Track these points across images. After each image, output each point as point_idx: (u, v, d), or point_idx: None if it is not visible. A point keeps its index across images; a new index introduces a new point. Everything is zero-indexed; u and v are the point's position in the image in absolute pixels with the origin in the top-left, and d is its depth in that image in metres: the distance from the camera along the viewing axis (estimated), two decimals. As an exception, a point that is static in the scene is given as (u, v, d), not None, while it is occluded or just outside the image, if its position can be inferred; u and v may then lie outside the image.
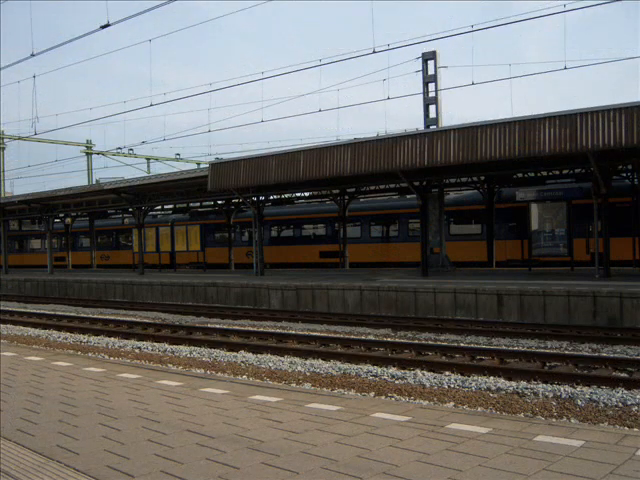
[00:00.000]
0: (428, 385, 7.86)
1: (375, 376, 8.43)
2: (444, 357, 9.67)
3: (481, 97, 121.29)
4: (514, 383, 7.76)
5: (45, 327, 15.32)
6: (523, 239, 20.73)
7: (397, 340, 11.59)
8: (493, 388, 7.56)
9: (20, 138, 37.85)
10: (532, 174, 21.32)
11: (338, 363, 9.42)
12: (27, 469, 3.66)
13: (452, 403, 7.00)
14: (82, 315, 17.68)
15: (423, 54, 20.97)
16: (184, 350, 11.14)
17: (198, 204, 31.55)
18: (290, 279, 19.13)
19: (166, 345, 11.84)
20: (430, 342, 11.28)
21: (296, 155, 18.46)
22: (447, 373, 8.50)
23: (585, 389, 7.35)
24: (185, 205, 31.77)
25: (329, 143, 18.76)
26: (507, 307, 13.84)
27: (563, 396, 7.05)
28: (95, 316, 17.34)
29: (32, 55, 18.91)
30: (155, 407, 5.19)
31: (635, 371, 8.24)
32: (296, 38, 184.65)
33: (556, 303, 13.18)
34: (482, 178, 21.72)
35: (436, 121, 20.66)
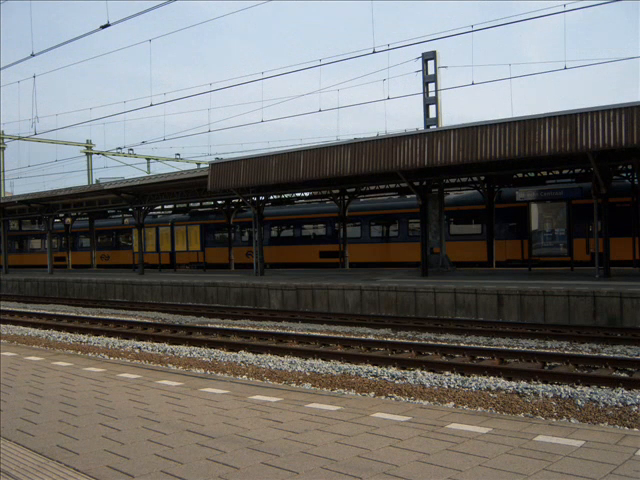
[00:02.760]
0: (428, 385, 7.86)
1: (375, 376, 8.43)
2: (444, 357, 9.68)
3: (481, 97, 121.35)
4: (514, 383, 7.76)
5: (45, 327, 15.32)
6: (523, 239, 20.74)
7: (397, 340, 11.59)
8: (493, 388, 7.56)
9: (20, 138, 37.85)
10: (532, 174, 21.32)
11: (338, 363, 9.42)
12: (27, 469, 3.66)
13: (452, 403, 7.00)
14: (82, 315, 17.69)
15: (423, 54, 20.96)
16: (184, 350, 11.14)
17: (198, 204, 31.55)
18: (290, 279, 19.13)
19: (166, 345, 11.84)
20: (430, 342, 11.28)
21: (296, 155, 18.46)
22: (447, 373, 8.50)
23: (585, 389, 7.35)
24: (185, 205, 31.78)
25: (329, 143, 18.74)
26: (507, 307, 13.84)
27: (563, 396, 7.05)
28: (95, 316, 17.34)
29: (32, 55, 18.90)
30: (155, 407, 5.19)
31: (635, 371, 8.25)
32: (296, 38, 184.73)
33: (556, 303, 13.19)
34: (482, 178, 21.72)
35: (436, 121, 20.64)
